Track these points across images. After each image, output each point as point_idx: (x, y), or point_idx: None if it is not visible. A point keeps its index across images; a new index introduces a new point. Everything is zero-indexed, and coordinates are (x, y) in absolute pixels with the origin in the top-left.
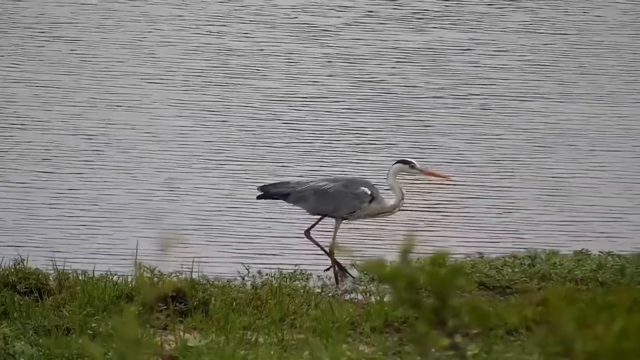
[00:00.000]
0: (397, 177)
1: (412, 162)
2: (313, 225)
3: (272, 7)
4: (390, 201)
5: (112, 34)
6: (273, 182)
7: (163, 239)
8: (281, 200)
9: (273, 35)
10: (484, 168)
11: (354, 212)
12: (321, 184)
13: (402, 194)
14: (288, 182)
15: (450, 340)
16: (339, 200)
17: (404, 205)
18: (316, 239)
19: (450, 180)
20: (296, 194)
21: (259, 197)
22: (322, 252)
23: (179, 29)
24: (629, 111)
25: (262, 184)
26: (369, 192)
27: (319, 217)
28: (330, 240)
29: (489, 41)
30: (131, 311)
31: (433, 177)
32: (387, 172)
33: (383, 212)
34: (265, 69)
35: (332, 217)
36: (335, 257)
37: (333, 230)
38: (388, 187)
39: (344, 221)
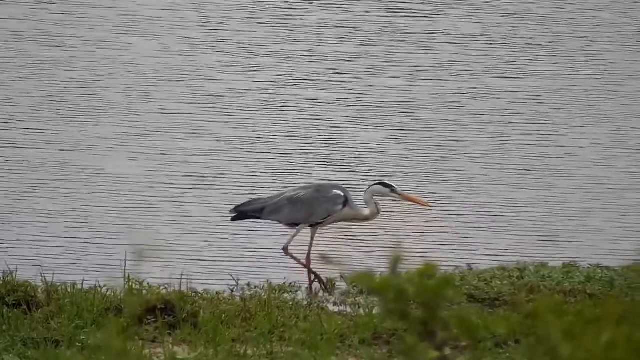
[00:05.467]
0: (375, 197)
1: (393, 187)
2: (290, 241)
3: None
4: (365, 211)
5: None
6: (242, 202)
7: (150, 251)
8: (254, 219)
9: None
10: (474, 180)
11: (329, 216)
12: (293, 192)
13: (378, 209)
14: (259, 199)
15: (439, 352)
16: (313, 206)
17: (378, 217)
18: (295, 253)
19: (429, 207)
20: (270, 207)
21: (233, 219)
22: (301, 266)
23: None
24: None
25: (234, 206)
26: (342, 194)
27: (294, 229)
28: (307, 250)
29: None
30: (116, 324)
31: (412, 202)
32: (364, 189)
33: (356, 219)
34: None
35: (307, 224)
36: (312, 268)
37: (309, 239)
38: (363, 202)
39: (319, 228)
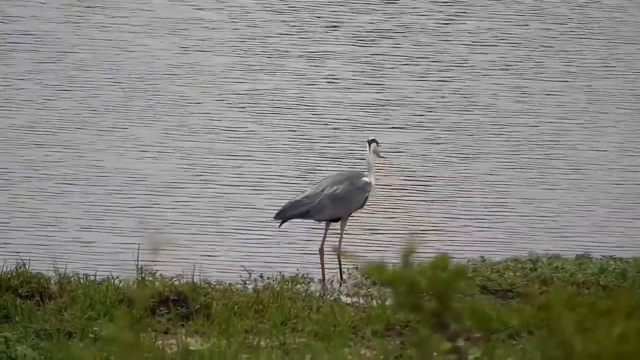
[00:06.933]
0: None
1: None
2: (324, 241)
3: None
4: (372, 179)
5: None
6: (282, 207)
7: (163, 243)
8: (298, 220)
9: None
10: (487, 173)
11: (362, 204)
12: (332, 189)
13: (373, 168)
14: (298, 201)
15: (451, 344)
16: (350, 199)
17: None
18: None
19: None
20: (316, 208)
21: (280, 225)
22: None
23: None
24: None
25: (276, 212)
26: (368, 180)
27: (324, 228)
28: (337, 241)
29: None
30: (128, 315)
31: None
32: (365, 151)
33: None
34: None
35: (346, 216)
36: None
37: (339, 231)
38: (366, 166)
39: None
